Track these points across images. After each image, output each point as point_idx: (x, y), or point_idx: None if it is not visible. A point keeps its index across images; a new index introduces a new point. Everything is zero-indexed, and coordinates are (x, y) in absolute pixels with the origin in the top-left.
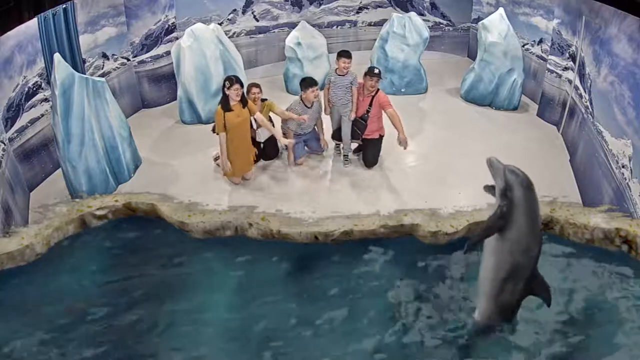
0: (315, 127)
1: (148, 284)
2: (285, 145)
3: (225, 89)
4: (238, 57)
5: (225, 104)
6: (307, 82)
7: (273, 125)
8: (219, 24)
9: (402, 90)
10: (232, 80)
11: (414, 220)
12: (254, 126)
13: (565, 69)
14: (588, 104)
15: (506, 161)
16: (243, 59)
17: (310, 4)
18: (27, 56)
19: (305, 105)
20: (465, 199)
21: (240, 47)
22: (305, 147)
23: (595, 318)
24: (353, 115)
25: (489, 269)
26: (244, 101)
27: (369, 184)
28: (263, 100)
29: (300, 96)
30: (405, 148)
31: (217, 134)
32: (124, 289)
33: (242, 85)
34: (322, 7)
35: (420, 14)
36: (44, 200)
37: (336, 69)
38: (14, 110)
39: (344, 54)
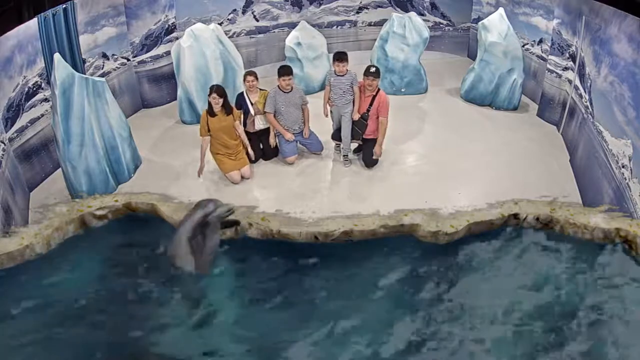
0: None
1: (148, 284)
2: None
3: (208, 96)
4: (238, 57)
5: (209, 109)
6: (283, 70)
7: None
8: (219, 24)
9: (402, 90)
10: (211, 89)
11: (414, 220)
12: (252, 112)
13: (565, 69)
14: (588, 104)
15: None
16: (243, 59)
17: (310, 4)
18: (27, 56)
19: (283, 91)
20: (465, 199)
21: (240, 47)
22: (302, 146)
23: (595, 318)
24: (356, 115)
25: None
26: (227, 108)
27: (369, 184)
28: (261, 89)
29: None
30: (377, 157)
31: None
32: (123, 289)
33: (220, 95)
34: (322, 7)
35: (420, 14)
36: (44, 200)
37: (335, 70)
38: (14, 110)
39: (337, 57)
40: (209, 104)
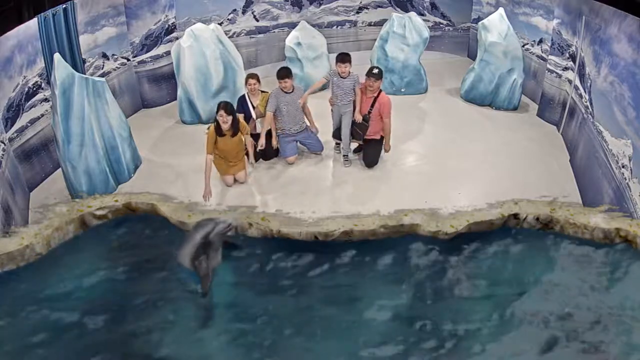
0: (307, 123)
1: (148, 284)
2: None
3: (216, 113)
4: (238, 57)
5: (217, 128)
6: (279, 73)
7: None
8: (219, 24)
9: (402, 90)
10: (219, 105)
11: (414, 220)
12: (254, 116)
13: (565, 69)
14: (588, 104)
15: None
16: (243, 59)
17: (310, 4)
18: (27, 56)
19: (285, 92)
20: (465, 199)
21: (240, 47)
22: (302, 146)
23: (595, 317)
24: (359, 117)
25: None
26: (235, 129)
27: (369, 184)
28: (263, 92)
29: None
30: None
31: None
32: (123, 289)
33: (229, 113)
34: (322, 7)
35: (420, 14)
36: (44, 200)
37: (337, 71)
38: (14, 110)
39: (339, 59)
40: (216, 121)
